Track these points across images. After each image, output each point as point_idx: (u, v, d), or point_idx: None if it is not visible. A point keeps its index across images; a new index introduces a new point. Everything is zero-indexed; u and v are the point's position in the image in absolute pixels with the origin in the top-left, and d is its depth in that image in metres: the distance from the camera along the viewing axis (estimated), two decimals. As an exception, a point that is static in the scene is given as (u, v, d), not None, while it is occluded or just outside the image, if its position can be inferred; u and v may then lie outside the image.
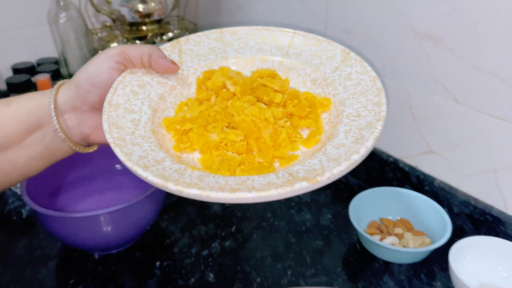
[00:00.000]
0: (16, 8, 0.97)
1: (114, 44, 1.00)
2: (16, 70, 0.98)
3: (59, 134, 0.43)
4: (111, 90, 0.43)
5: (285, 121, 0.43)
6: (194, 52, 0.49)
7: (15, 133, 0.42)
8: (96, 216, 0.57)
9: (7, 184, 0.45)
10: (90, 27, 1.06)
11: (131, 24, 1.01)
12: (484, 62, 0.57)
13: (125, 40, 1.01)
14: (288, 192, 0.32)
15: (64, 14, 0.96)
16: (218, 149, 0.41)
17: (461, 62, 0.59)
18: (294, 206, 0.76)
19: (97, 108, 0.44)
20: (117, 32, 1.04)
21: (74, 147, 0.45)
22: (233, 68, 0.49)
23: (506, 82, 0.55)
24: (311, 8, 0.79)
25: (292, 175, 0.34)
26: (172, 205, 0.76)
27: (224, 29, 0.51)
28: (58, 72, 0.99)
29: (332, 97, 0.44)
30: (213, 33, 0.51)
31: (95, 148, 0.49)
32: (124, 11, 0.98)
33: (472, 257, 0.59)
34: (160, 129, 0.43)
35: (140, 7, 0.98)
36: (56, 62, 1.03)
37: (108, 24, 1.06)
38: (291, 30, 0.50)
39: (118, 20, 1.02)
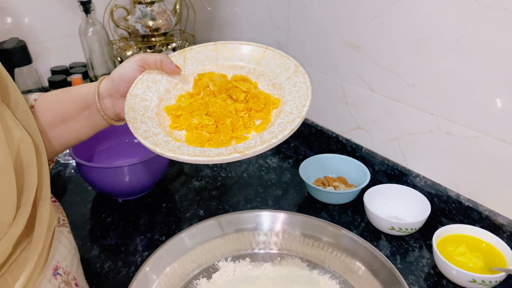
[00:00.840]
0: (55, 24, 1.24)
1: (130, 52, 1.27)
2: (54, 72, 1.25)
3: (100, 112, 0.61)
4: (133, 84, 0.59)
5: (245, 113, 0.58)
6: (194, 59, 0.65)
7: (73, 111, 0.60)
8: (121, 168, 0.84)
9: (66, 146, 0.62)
10: (111, 38, 1.34)
11: (143, 36, 1.29)
12: (387, 63, 0.84)
13: (138, 49, 1.28)
14: (226, 159, 0.48)
15: (91, 28, 1.23)
16: (197, 129, 0.57)
17: (373, 63, 0.86)
18: (264, 170, 1.02)
19: (125, 96, 0.60)
20: (132, 43, 1.31)
21: (110, 121, 0.63)
22: (221, 71, 0.64)
23: (399, 76, 0.82)
24: (277, 25, 1.06)
25: (235, 149, 0.50)
26: (174, 167, 1.03)
27: (218, 43, 0.66)
28: (86, 73, 1.26)
29: (282, 98, 0.59)
30: (209, 45, 0.66)
31: (124, 122, 0.72)
32: (138, 26, 1.25)
33: (381, 198, 0.86)
34: (163, 112, 0.59)
35: (150, 23, 1.25)
36: (84, 65, 1.30)
37: (125, 36, 1.34)
38: (264, 46, 0.64)
39: (133, 33, 1.29)
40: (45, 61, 1.27)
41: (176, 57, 0.65)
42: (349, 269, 0.70)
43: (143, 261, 0.74)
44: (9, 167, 0.43)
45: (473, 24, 0.68)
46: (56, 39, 1.25)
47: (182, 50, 0.65)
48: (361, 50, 0.87)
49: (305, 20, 0.98)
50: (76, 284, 0.55)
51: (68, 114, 0.60)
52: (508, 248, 0.70)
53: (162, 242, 0.76)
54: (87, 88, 0.61)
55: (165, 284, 0.66)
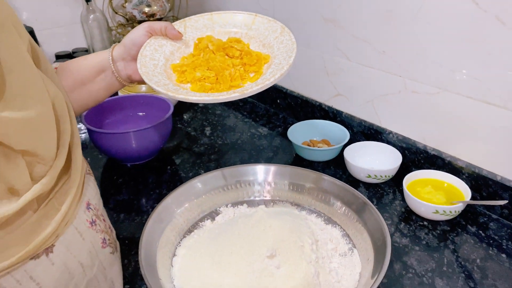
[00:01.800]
0: (58, 12, 1.34)
1: (128, 37, 1.38)
2: (58, 56, 1.35)
3: (115, 74, 0.69)
4: (142, 47, 0.68)
5: (240, 67, 0.67)
6: (193, 27, 0.73)
7: (90, 74, 0.68)
8: (128, 133, 0.95)
9: (86, 107, 0.74)
10: (110, 25, 1.44)
11: (140, 22, 1.39)
12: (360, 33, 0.96)
13: (135, 34, 1.38)
14: (227, 98, 0.57)
15: (92, 16, 1.34)
16: (200, 81, 0.65)
17: (348, 35, 0.98)
18: (256, 137, 1.14)
19: (135, 59, 0.67)
20: (129, 28, 1.41)
21: (123, 82, 0.71)
22: (217, 36, 0.72)
23: (371, 45, 0.94)
24: (264, 6, 1.18)
25: (234, 91, 0.60)
26: (175, 138, 1.14)
27: (213, 13, 0.74)
28: (88, 57, 1.36)
29: (271, 54, 0.67)
30: (206, 15, 0.74)
31: (135, 84, 0.84)
32: (135, 12, 1.36)
33: (359, 154, 0.98)
34: (169, 70, 0.68)
35: (146, 9, 1.36)
36: (86, 50, 1.40)
37: (122, 22, 1.44)
38: (254, 14, 0.73)
39: (130, 19, 1.40)
40: (50, 47, 1.36)
41: (177, 25, 0.73)
42: (331, 208, 0.82)
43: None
44: (51, 114, 0.53)
45: (430, -5, 0.80)
46: (60, 26, 1.35)
47: (182, 20, 0.74)
48: (337, 24, 0.99)
49: (288, 0, 1.09)
50: (103, 220, 0.66)
51: (86, 77, 0.69)
52: (466, 186, 0.83)
53: (170, 193, 0.88)
54: (102, 54, 0.70)
55: (175, 226, 0.78)
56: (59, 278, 0.51)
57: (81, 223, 0.57)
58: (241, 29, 0.72)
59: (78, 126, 1.15)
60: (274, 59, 0.65)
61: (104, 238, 0.62)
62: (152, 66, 0.67)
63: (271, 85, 0.59)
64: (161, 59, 0.68)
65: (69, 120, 0.58)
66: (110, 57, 0.69)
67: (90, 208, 0.62)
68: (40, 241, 0.47)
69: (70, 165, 0.58)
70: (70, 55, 1.37)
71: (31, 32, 1.22)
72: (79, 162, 0.59)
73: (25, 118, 0.45)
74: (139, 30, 0.69)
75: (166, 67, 0.68)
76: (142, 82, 0.71)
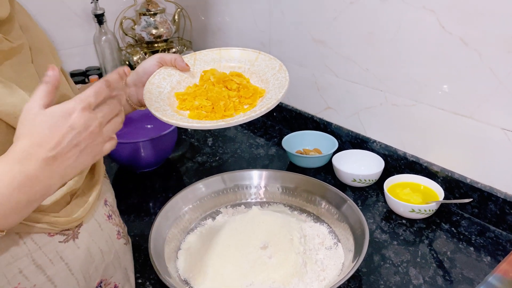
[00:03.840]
0: (73, 34, 1.47)
1: (137, 57, 1.49)
2: (73, 74, 1.47)
3: (127, 99, 0.76)
4: (152, 75, 0.74)
5: (236, 99, 0.72)
6: (202, 60, 0.79)
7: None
8: (137, 143, 1.05)
9: None
10: (121, 45, 1.56)
11: (148, 43, 1.51)
12: (345, 53, 1.07)
13: (144, 53, 1.50)
14: (214, 125, 0.63)
15: (104, 37, 1.46)
16: (198, 109, 0.70)
17: (336, 54, 1.09)
18: (253, 147, 1.25)
19: None
20: (138, 49, 1.54)
21: (134, 106, 0.78)
22: (222, 70, 0.78)
23: (356, 63, 1.05)
24: (261, 29, 1.29)
25: (222, 120, 0.65)
26: (180, 149, 1.25)
27: (222, 48, 0.80)
28: (101, 75, 1.48)
29: (266, 89, 0.72)
30: (215, 50, 0.80)
31: (145, 108, 0.91)
32: (144, 34, 1.48)
33: (346, 161, 1.08)
34: (173, 97, 0.74)
35: (154, 31, 1.48)
36: (98, 69, 1.52)
37: (132, 43, 1.57)
38: (258, 51, 0.78)
39: (139, 40, 1.52)
40: (66, 66, 1.48)
41: (188, 58, 0.79)
42: (319, 207, 0.92)
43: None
44: None
45: (404, 20, 0.91)
46: (74, 47, 1.47)
47: (193, 53, 0.81)
48: (326, 44, 1.11)
49: (283, 23, 1.21)
50: (117, 216, 0.76)
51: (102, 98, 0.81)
52: (440, 188, 0.93)
53: (175, 196, 0.98)
54: None
55: (180, 223, 0.88)
56: (83, 260, 0.61)
57: (100, 216, 0.67)
58: (245, 64, 0.79)
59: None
60: (268, 94, 0.71)
61: (118, 231, 0.72)
62: (157, 93, 0.73)
63: (256, 117, 0.64)
64: (167, 87, 0.74)
65: None
66: (124, 83, 0.80)
67: (107, 204, 0.72)
68: (69, 220, 0.58)
69: (95, 166, 0.69)
70: (84, 73, 1.48)
71: (50, 53, 1.34)
72: (101, 164, 0.70)
73: None
74: (151, 60, 0.76)
75: (170, 94, 0.74)
76: None
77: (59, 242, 0.58)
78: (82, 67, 1.52)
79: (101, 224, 0.67)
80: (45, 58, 0.60)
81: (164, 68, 0.76)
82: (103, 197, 0.70)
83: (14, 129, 0.49)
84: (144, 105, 0.79)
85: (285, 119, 1.33)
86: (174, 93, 0.75)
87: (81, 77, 1.42)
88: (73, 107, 0.47)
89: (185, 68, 0.77)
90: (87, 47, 1.51)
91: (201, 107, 0.71)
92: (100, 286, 0.66)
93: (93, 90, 0.50)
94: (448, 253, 0.83)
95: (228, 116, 0.69)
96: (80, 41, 1.49)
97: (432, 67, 0.90)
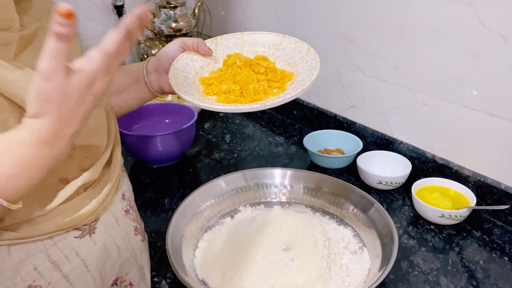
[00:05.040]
0: (92, 26, 1.45)
1: (155, 50, 1.47)
2: (90, 67, 1.45)
3: (147, 85, 0.75)
4: (175, 60, 0.72)
5: (264, 83, 0.69)
6: (224, 45, 0.76)
7: (126, 83, 0.75)
8: (155, 137, 1.02)
9: (118, 115, 0.72)
10: (139, 38, 1.54)
11: (167, 36, 1.48)
12: (374, 49, 1.02)
13: (162, 46, 1.47)
14: (248, 108, 0.60)
15: (123, 29, 1.43)
16: (225, 93, 0.68)
17: (363, 50, 1.05)
18: (273, 145, 1.21)
19: (168, 71, 0.70)
20: (157, 42, 1.51)
21: (154, 93, 0.76)
22: (245, 55, 0.75)
23: (384, 60, 1.01)
24: (284, 23, 1.26)
25: (255, 102, 0.63)
26: (197, 144, 1.21)
27: (244, 33, 0.78)
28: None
29: (296, 72, 0.69)
30: (237, 34, 0.77)
31: (167, 95, 0.91)
32: (163, 27, 1.45)
33: (371, 162, 1.03)
34: (198, 82, 0.71)
35: (173, 25, 1.45)
36: (116, 61, 1.49)
37: (150, 36, 1.54)
38: (282, 34, 0.76)
39: (158, 33, 1.49)
40: (83, 58, 1.46)
41: (209, 43, 0.76)
42: (343, 210, 0.88)
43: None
44: (104, 114, 0.61)
45: (439, 15, 0.87)
46: (94, 39, 1.45)
47: (214, 38, 0.78)
48: (353, 40, 1.06)
49: (307, 18, 1.17)
50: (135, 211, 0.73)
51: (122, 86, 0.75)
52: (472, 193, 0.88)
53: (193, 193, 0.94)
54: (137, 66, 0.76)
55: (198, 221, 0.84)
56: (99, 256, 0.58)
57: (118, 211, 0.64)
58: (269, 48, 0.75)
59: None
60: (298, 76, 0.68)
61: (136, 227, 0.69)
62: (182, 77, 0.70)
63: (292, 99, 0.61)
64: (191, 72, 0.72)
65: (113, 121, 0.66)
66: (145, 68, 0.75)
67: (125, 198, 0.69)
68: (83, 214, 0.54)
69: (112, 159, 0.65)
70: (101, 66, 1.46)
71: (68, 43, 1.31)
72: (119, 157, 0.67)
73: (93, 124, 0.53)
74: (173, 45, 0.74)
75: (195, 79, 0.72)
76: (172, 93, 0.75)
77: (75, 237, 0.55)
78: (100, 59, 1.50)
79: (118, 219, 0.63)
80: (75, 49, 0.57)
81: (186, 53, 0.74)
82: (120, 191, 0.67)
83: None
84: (165, 92, 0.77)
85: (306, 117, 1.29)
86: (199, 78, 0.72)
87: (99, 69, 1.39)
88: (96, 72, 0.42)
89: (207, 52, 0.74)
90: (105, 39, 1.48)
91: (229, 91, 0.68)
92: (116, 284, 0.62)
93: (115, 45, 0.43)
94: (481, 262, 0.78)
95: (258, 100, 0.65)
96: (99, 33, 1.46)
97: (468, 65, 0.85)
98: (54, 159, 0.44)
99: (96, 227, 0.58)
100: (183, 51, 0.74)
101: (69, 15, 0.38)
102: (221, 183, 0.90)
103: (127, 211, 0.67)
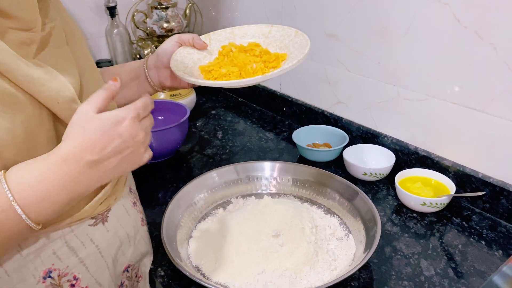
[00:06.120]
0: (85, 26, 1.48)
1: (147, 50, 1.50)
2: (84, 67, 1.48)
3: (148, 79, 0.78)
4: (174, 54, 0.75)
5: (261, 63, 0.72)
6: (217, 39, 0.81)
7: (126, 80, 0.77)
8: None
9: None
10: (132, 38, 1.57)
11: (159, 36, 1.52)
12: (358, 47, 1.07)
13: (154, 47, 1.51)
14: (250, 80, 0.64)
15: (115, 30, 1.47)
16: (225, 76, 0.71)
17: (348, 48, 1.10)
18: (263, 140, 1.25)
19: (167, 67, 0.75)
20: (149, 42, 1.54)
21: (155, 88, 0.79)
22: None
23: (368, 57, 1.05)
24: (272, 23, 1.29)
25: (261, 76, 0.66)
26: (190, 141, 1.25)
27: (234, 28, 0.82)
28: (111, 67, 1.49)
29: (288, 52, 0.74)
30: (228, 29, 0.82)
31: (167, 91, 0.91)
32: (155, 28, 1.49)
33: (357, 155, 1.08)
34: (198, 71, 0.75)
35: (165, 25, 1.49)
36: (109, 61, 1.52)
37: (142, 37, 1.57)
38: (270, 24, 0.80)
39: (150, 34, 1.53)
40: (77, 58, 1.50)
41: (203, 38, 0.81)
42: (330, 200, 0.92)
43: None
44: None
45: (418, 14, 0.91)
46: (86, 39, 1.48)
47: (207, 34, 0.82)
48: (338, 39, 1.11)
49: (295, 17, 1.22)
50: (140, 204, 0.76)
51: (123, 82, 0.76)
52: (451, 182, 0.93)
53: (186, 186, 0.98)
54: (138, 63, 0.80)
55: (191, 212, 0.88)
56: (112, 243, 0.62)
57: (127, 202, 0.68)
58: (259, 38, 0.80)
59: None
60: (291, 54, 0.72)
61: (142, 218, 0.73)
62: (182, 67, 0.74)
63: (289, 69, 0.65)
64: (190, 63, 0.76)
65: None
66: (145, 65, 0.79)
67: (132, 191, 0.73)
68: (94, 203, 0.57)
69: None
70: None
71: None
72: None
73: None
74: (170, 41, 0.77)
75: (195, 68, 0.75)
76: (171, 88, 0.82)
77: (89, 225, 0.59)
78: (94, 59, 1.53)
79: (128, 210, 0.68)
80: (78, 41, 0.61)
81: (183, 48, 0.77)
82: (128, 185, 0.71)
83: (55, 116, 0.51)
84: (165, 87, 0.80)
85: (295, 114, 1.33)
86: (199, 67, 0.76)
87: (92, 69, 1.43)
88: (124, 116, 0.49)
89: (203, 46, 0.78)
90: (98, 39, 1.52)
91: (229, 74, 0.72)
92: (127, 271, 0.66)
93: (143, 102, 0.52)
94: (460, 246, 0.83)
95: None
96: (92, 34, 1.50)
97: (446, 61, 0.90)
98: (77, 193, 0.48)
99: (108, 216, 0.62)
100: (180, 46, 0.78)
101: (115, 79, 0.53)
102: (214, 176, 0.94)
103: (134, 203, 0.71)
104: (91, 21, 1.48)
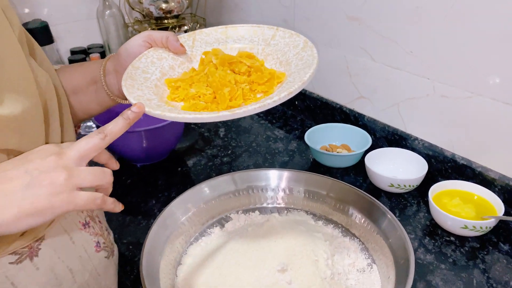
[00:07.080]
0: (73, 6, 1.32)
1: (144, 34, 1.34)
2: (73, 52, 1.32)
3: (104, 87, 0.61)
4: (137, 58, 0.59)
5: (246, 85, 0.56)
6: (204, 41, 0.64)
7: (81, 83, 0.61)
8: (138, 132, 0.91)
9: (76, 119, 0.62)
10: (127, 21, 1.41)
11: (157, 19, 1.36)
12: (386, 32, 0.89)
13: (151, 30, 1.35)
14: (214, 117, 0.47)
15: (108, 11, 1.31)
16: (194, 99, 0.56)
17: (374, 33, 0.92)
18: (271, 140, 1.09)
19: None
20: (146, 25, 1.38)
21: (114, 98, 0.62)
22: (229, 53, 0.62)
23: (398, 44, 0.88)
24: (284, 3, 1.12)
25: (227, 110, 0.49)
26: (188, 139, 1.10)
27: (229, 26, 0.65)
28: (103, 53, 1.33)
29: (287, 72, 0.57)
30: (220, 28, 0.65)
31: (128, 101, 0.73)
32: (152, 9, 1.32)
33: (382, 161, 0.91)
34: (163, 85, 0.59)
35: (164, 5, 1.32)
36: (101, 46, 1.37)
37: (139, 19, 1.41)
38: (275, 27, 0.63)
39: (147, 15, 1.36)
40: (65, 42, 1.34)
41: (185, 38, 0.64)
42: (350, 218, 0.76)
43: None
44: (39, 111, 0.47)
45: (464, -10, 0.74)
46: (75, 21, 1.33)
47: (192, 32, 0.65)
48: (362, 22, 0.93)
49: (310, -3, 1.04)
50: (99, 221, 0.61)
51: (78, 86, 0.62)
52: (498, 199, 0.76)
53: (178, 197, 0.83)
54: (96, 63, 0.62)
55: (181, 232, 0.73)
56: (44, 284, 0.48)
57: (72, 225, 0.53)
58: (258, 44, 0.63)
59: (89, 123, 1.13)
60: (289, 77, 0.56)
61: (98, 242, 0.58)
62: (142, 79, 0.57)
63: (273, 105, 0.48)
64: (156, 73, 0.59)
65: (59, 119, 0.53)
66: (102, 68, 0.61)
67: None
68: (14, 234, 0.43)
69: None
70: (85, 51, 1.34)
71: (46, 27, 1.19)
72: None
73: (9, 116, 0.41)
74: (137, 39, 0.60)
75: (159, 82, 0.59)
76: None
77: (10, 263, 0.44)
78: (84, 44, 1.38)
79: (72, 236, 0.52)
80: None
81: (154, 50, 0.61)
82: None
83: None
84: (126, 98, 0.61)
85: (309, 108, 1.16)
86: (165, 80, 0.59)
87: (82, 55, 1.27)
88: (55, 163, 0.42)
89: (179, 50, 0.61)
90: (89, 22, 1.36)
91: (199, 96, 0.56)
92: None
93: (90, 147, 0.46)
94: (511, 283, 0.67)
95: (234, 106, 0.53)
96: (81, 15, 1.34)
97: (498, 51, 0.72)
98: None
99: (40, 249, 0.47)
100: (149, 47, 0.61)
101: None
102: (206, 190, 0.78)
103: (86, 224, 0.56)
104: (80, 1, 1.32)
